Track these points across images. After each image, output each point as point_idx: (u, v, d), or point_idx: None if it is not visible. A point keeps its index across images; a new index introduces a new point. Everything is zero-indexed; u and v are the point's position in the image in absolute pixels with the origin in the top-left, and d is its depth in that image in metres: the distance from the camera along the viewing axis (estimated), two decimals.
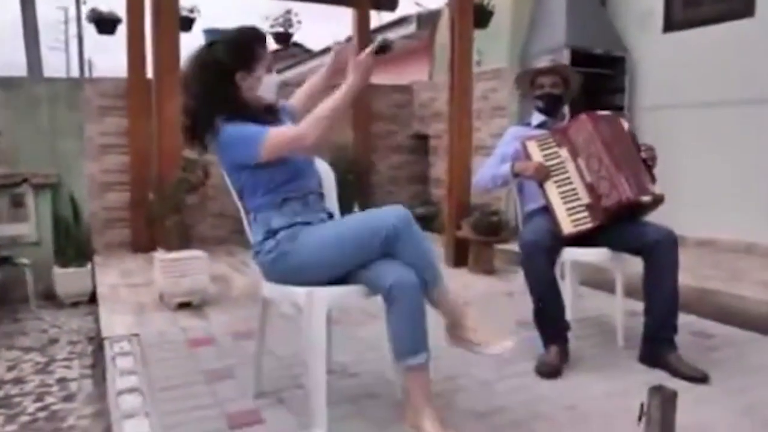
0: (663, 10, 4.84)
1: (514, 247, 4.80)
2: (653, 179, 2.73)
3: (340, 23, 6.29)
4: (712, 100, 4.47)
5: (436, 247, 5.23)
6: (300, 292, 1.94)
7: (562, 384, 2.40)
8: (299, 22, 5.68)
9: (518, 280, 4.14)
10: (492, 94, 5.27)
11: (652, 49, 4.92)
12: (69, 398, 2.70)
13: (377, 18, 6.49)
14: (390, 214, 1.88)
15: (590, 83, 4.10)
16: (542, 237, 2.58)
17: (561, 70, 3.04)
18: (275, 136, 1.92)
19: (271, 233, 1.98)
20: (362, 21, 6.07)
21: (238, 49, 2.00)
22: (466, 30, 4.53)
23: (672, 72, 4.79)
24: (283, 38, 5.66)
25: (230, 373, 2.49)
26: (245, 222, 2.13)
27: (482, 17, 4.68)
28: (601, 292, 3.74)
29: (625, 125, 2.83)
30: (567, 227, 2.66)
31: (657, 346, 2.55)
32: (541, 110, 3.05)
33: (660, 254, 2.54)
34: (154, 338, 2.91)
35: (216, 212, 5.41)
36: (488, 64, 5.11)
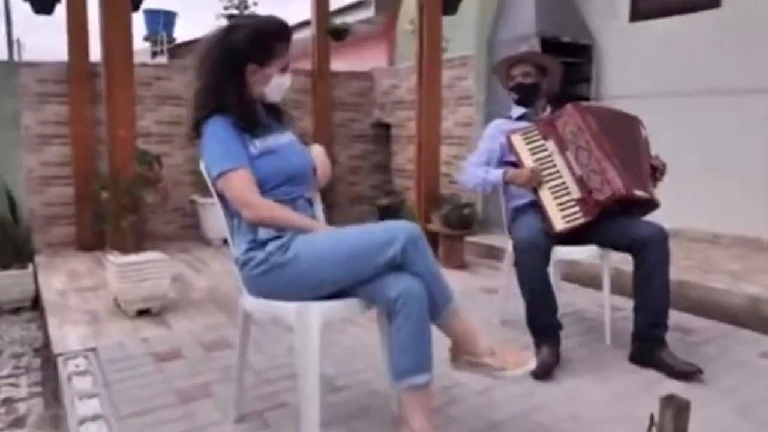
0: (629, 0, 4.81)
1: (483, 239, 4.75)
2: (654, 184, 2.66)
3: (297, 6, 6.00)
4: (679, 90, 4.49)
5: None
6: (291, 308, 1.75)
7: (558, 390, 2.31)
8: (255, 4, 5.37)
9: (496, 277, 4.11)
10: (458, 82, 5.14)
11: (619, 38, 4.90)
12: (18, 423, 2.43)
13: (336, 0, 6.22)
14: (399, 230, 1.72)
15: (563, 72, 4.01)
16: (536, 235, 2.48)
17: (531, 59, 2.91)
18: (238, 181, 1.78)
19: (259, 244, 1.78)
20: (321, 4, 5.81)
21: (256, 38, 1.83)
22: (435, 16, 4.38)
23: (638, 61, 4.78)
24: None
25: (206, 392, 2.27)
26: (227, 229, 1.91)
27: (451, 3, 4.53)
28: (578, 285, 3.71)
29: (640, 129, 2.73)
30: (559, 224, 2.56)
31: (648, 344, 2.50)
32: (517, 102, 2.95)
33: (651, 251, 2.47)
34: (114, 352, 2.65)
35: (167, 206, 5.10)
36: (454, 51, 4.97)
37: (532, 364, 1.86)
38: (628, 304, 3.10)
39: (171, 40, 12.80)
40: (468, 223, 4.25)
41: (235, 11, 5.27)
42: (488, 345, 1.84)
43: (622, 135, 2.66)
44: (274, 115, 1.99)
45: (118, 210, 3.17)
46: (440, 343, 1.84)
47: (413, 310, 1.68)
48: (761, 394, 2.26)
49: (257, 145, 1.84)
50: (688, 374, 2.35)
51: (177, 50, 12.63)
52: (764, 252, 4.10)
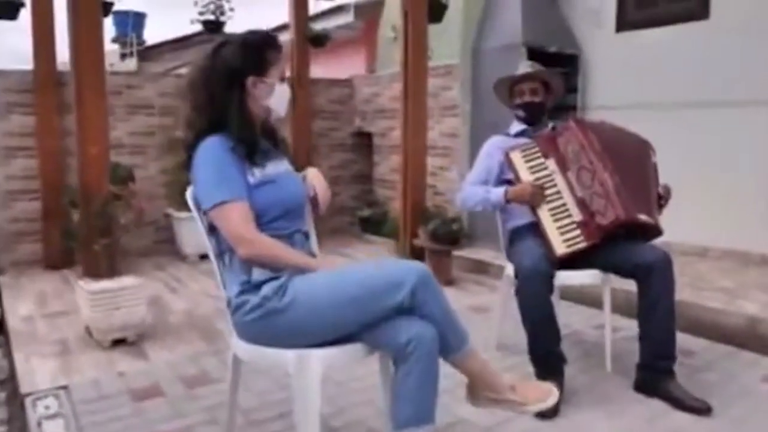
0: (616, 9, 4.75)
1: (470, 253, 4.65)
2: (659, 211, 2.56)
3: (275, 10, 5.82)
4: (666, 101, 4.44)
5: (389, 254, 5.00)
6: (289, 356, 1.60)
7: (565, 425, 2.19)
8: (232, 9, 5.17)
9: (486, 294, 4.01)
10: (443, 92, 5.03)
11: (605, 48, 4.84)
12: None
13: (313, 5, 6.07)
14: (408, 271, 1.59)
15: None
16: (539, 262, 2.35)
17: (540, 76, 2.80)
18: (235, 214, 1.62)
19: (253, 286, 1.62)
20: (299, 9, 5.64)
21: (248, 50, 1.71)
22: (420, 23, 4.26)
23: (625, 72, 4.73)
24: (215, 27, 5.13)
25: None
26: (215, 266, 1.74)
27: (436, 11, 4.41)
28: (571, 303, 3.61)
29: (650, 154, 2.63)
30: (560, 248, 2.44)
31: (655, 374, 2.40)
32: (522, 120, 2.82)
33: (656, 278, 2.37)
34: (88, 391, 2.45)
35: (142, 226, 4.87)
36: (438, 59, 4.85)
37: (554, 396, 1.79)
38: (623, 323, 3.03)
39: (141, 41, 12.44)
40: (456, 238, 4.13)
41: (211, 17, 5.06)
42: (509, 381, 1.76)
43: (628, 156, 2.55)
44: (271, 139, 1.84)
45: (90, 232, 2.96)
46: (445, 374, 1.71)
47: (423, 358, 1.55)
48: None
49: (256, 173, 1.69)
50: (697, 411, 2.26)
51: (147, 52, 12.31)
52: (754, 266, 4.07)
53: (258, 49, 1.72)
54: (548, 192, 2.52)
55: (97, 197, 2.96)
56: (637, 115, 4.37)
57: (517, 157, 2.61)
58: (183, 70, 8.72)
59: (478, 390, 1.76)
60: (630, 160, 2.54)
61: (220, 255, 1.74)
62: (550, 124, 2.83)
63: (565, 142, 2.57)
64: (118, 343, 2.94)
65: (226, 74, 1.68)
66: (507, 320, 2.96)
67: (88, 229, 2.99)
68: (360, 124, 6.18)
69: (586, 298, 3.51)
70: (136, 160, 4.91)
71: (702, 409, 2.26)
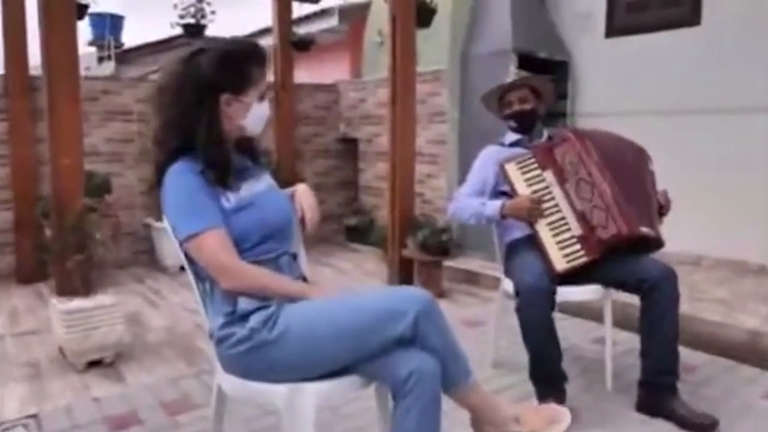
0: (605, 14, 4.69)
1: (460, 263, 4.54)
2: (660, 220, 2.47)
3: (257, 14, 5.67)
4: (657, 108, 4.38)
5: (375, 263, 4.88)
6: (279, 391, 1.47)
7: None
8: (213, 12, 5.01)
9: (477, 306, 3.91)
10: (430, 98, 4.92)
11: (595, 54, 4.78)
12: None
13: (297, 9, 5.93)
14: (409, 300, 1.46)
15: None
16: (540, 279, 2.24)
17: (527, 83, 2.70)
18: (212, 244, 1.48)
19: (239, 317, 1.48)
20: (283, 12, 5.50)
21: (228, 63, 1.53)
22: (409, 28, 4.14)
23: (615, 78, 4.66)
24: (195, 31, 4.97)
25: None
26: (197, 295, 1.60)
27: (425, 15, 4.31)
28: (566, 315, 3.52)
29: (647, 162, 2.53)
30: (559, 263, 2.34)
31: (658, 393, 2.32)
32: (515, 130, 2.71)
33: (661, 294, 2.29)
34: (60, 420, 2.29)
35: (120, 242, 4.68)
36: (426, 65, 4.74)
37: (566, 419, 1.69)
38: (621, 336, 2.93)
39: (119, 45, 12.19)
40: (446, 248, 4.02)
41: (191, 20, 4.90)
42: (512, 412, 1.64)
43: (627, 166, 2.45)
44: (249, 154, 1.70)
45: (63, 248, 2.80)
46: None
47: (425, 394, 1.43)
48: None
49: (230, 198, 1.55)
50: (704, 428, 2.18)
51: (125, 56, 12.06)
52: (749, 276, 4.02)
53: (238, 63, 1.56)
54: (546, 205, 2.41)
55: (71, 211, 2.79)
56: (628, 122, 4.29)
57: (512, 169, 2.49)
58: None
59: (481, 424, 1.64)
60: (629, 169, 2.44)
61: (200, 282, 1.60)
62: (545, 132, 2.74)
63: (562, 153, 2.46)
64: (94, 364, 2.78)
65: (198, 87, 1.52)
66: (502, 335, 2.87)
67: (61, 244, 2.82)
68: (345, 130, 6.06)
69: (582, 311, 3.41)
70: (113, 168, 4.73)
71: (708, 426, 2.18)
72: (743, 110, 4.08)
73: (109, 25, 11.72)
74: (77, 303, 2.75)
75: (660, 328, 2.30)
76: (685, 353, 2.93)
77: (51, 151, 2.86)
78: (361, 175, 5.97)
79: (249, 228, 1.54)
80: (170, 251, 4.69)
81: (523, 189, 2.46)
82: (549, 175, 2.45)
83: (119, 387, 2.60)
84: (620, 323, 3.07)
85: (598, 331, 3.24)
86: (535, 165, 2.48)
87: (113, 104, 4.80)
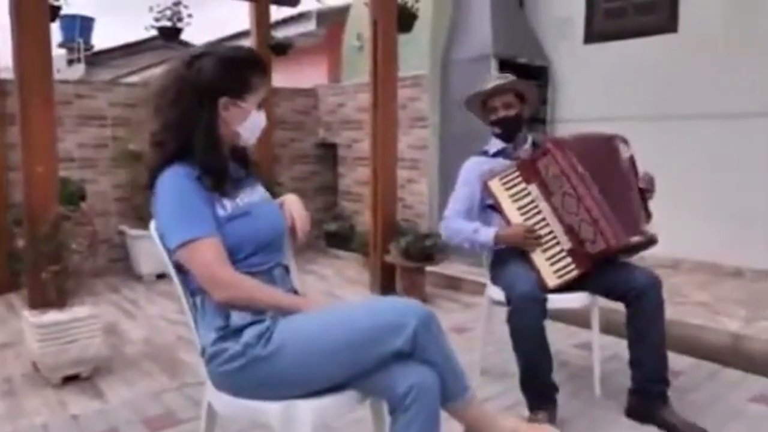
0: (584, 21, 4.73)
1: (442, 269, 4.52)
2: (648, 216, 2.46)
3: (236, 17, 5.58)
4: (635, 114, 4.43)
5: (357, 270, 4.83)
6: (274, 409, 1.42)
7: None
8: (190, 15, 4.91)
9: (461, 311, 3.89)
10: (411, 103, 4.90)
11: (574, 60, 4.82)
12: None
13: (275, 12, 5.84)
14: (407, 313, 1.42)
15: None
16: (533, 288, 2.22)
17: (512, 87, 2.62)
18: (206, 253, 1.43)
19: (232, 332, 1.43)
20: (261, 16, 5.43)
21: (229, 68, 1.51)
22: (390, 33, 4.11)
23: (593, 84, 4.71)
24: (171, 34, 4.86)
25: None
26: (186, 308, 1.54)
27: (406, 20, 4.29)
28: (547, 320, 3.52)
29: (623, 150, 2.46)
30: (551, 279, 2.32)
31: (648, 400, 2.31)
32: (499, 136, 2.65)
33: (648, 302, 2.28)
34: None
35: (96, 253, 4.55)
36: (407, 70, 4.72)
37: None
38: (605, 341, 2.93)
39: (89, 47, 11.93)
40: (430, 254, 4.00)
41: (167, 23, 4.80)
42: (508, 426, 1.60)
43: (608, 170, 2.40)
44: (241, 163, 1.66)
45: (37, 259, 2.69)
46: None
47: (425, 407, 1.39)
48: None
49: (227, 205, 1.50)
50: None
51: (95, 58, 11.82)
52: (727, 279, 4.09)
53: (239, 68, 1.54)
54: (534, 220, 2.38)
55: (45, 219, 2.68)
56: (606, 128, 4.34)
57: (496, 186, 2.43)
58: (134, 78, 8.36)
59: None
60: (610, 172, 2.39)
61: (190, 295, 1.54)
62: (529, 138, 2.70)
63: (545, 166, 2.38)
64: (70, 379, 2.68)
65: (198, 89, 1.49)
66: (488, 342, 2.85)
67: (35, 254, 2.71)
68: (324, 134, 6.01)
69: (565, 316, 3.42)
70: (87, 175, 4.61)
71: None
72: (718, 116, 4.16)
73: (79, 27, 11.47)
74: (52, 316, 2.64)
75: (648, 335, 2.30)
76: (669, 357, 2.95)
77: (23, 158, 2.75)
78: (341, 180, 5.92)
79: (243, 238, 1.50)
80: (146, 259, 4.58)
81: (509, 205, 2.42)
82: (534, 189, 2.40)
83: (98, 403, 2.50)
84: (603, 328, 3.08)
85: (581, 336, 3.25)
86: (519, 179, 2.42)
87: (86, 108, 4.67)
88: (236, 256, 1.49)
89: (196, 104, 1.49)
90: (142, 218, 4.73)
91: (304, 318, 1.45)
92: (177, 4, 4.83)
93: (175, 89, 1.51)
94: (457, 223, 2.56)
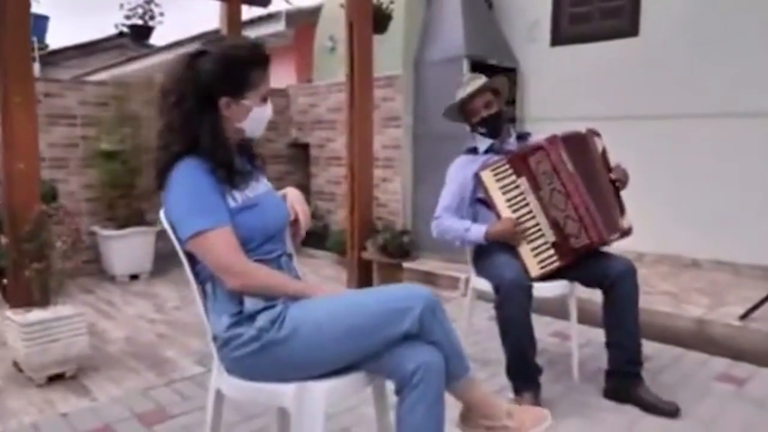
0: (551, 24, 4.91)
1: (418, 265, 4.61)
2: (622, 210, 2.61)
3: (207, 16, 5.56)
4: (598, 114, 4.60)
5: (333, 268, 4.87)
6: (288, 391, 1.47)
7: None
8: (161, 14, 4.87)
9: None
10: (385, 103, 4.98)
11: (541, 62, 4.98)
12: None
13: (245, 12, 5.83)
14: (414, 297, 1.49)
15: None
16: (519, 275, 2.33)
17: (491, 86, 2.70)
18: (220, 243, 1.48)
19: (246, 317, 1.47)
20: (232, 15, 5.41)
21: (228, 67, 1.52)
22: (366, 34, 4.18)
23: (559, 85, 4.88)
24: (142, 33, 4.81)
25: None
26: (197, 296, 1.58)
27: (381, 22, 4.37)
28: None
29: (597, 144, 2.61)
30: (534, 269, 2.44)
31: (625, 381, 2.46)
32: (485, 135, 2.72)
33: (623, 288, 2.43)
34: None
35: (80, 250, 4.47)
36: (380, 70, 4.79)
37: (548, 419, 1.76)
38: (578, 329, 3.06)
39: (43, 46, 11.59)
40: (406, 250, 4.09)
41: (139, 21, 4.74)
42: (506, 407, 1.70)
43: (589, 167, 2.55)
44: (247, 157, 1.70)
45: (20, 257, 2.65)
46: None
47: (432, 386, 1.47)
48: (737, 425, 2.29)
49: (237, 197, 1.55)
50: (668, 413, 2.33)
51: (51, 58, 11.49)
52: (689, 269, 4.31)
53: (238, 66, 1.55)
54: (521, 212, 2.48)
55: (27, 218, 2.65)
56: (571, 127, 4.52)
57: (488, 177, 2.53)
58: (101, 76, 8.18)
59: (475, 418, 1.69)
60: (591, 169, 2.53)
61: (201, 283, 1.58)
62: (513, 132, 2.80)
63: (536, 162, 2.49)
64: (54, 379, 2.65)
65: (198, 91, 1.52)
66: (470, 332, 2.94)
67: (17, 253, 2.67)
68: (297, 135, 6.03)
69: (541, 307, 3.54)
70: (58, 175, 4.52)
71: (672, 411, 2.33)
72: (678, 116, 4.38)
73: (34, 26, 11.14)
74: (36, 314, 2.61)
75: (624, 320, 2.44)
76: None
77: (4, 156, 2.71)
78: (314, 180, 5.95)
79: (253, 228, 1.54)
80: (119, 260, 4.52)
81: (499, 197, 2.51)
82: (523, 183, 2.49)
83: (86, 401, 2.49)
84: (578, 317, 3.23)
85: (556, 325, 3.39)
86: (510, 171, 2.51)
87: (56, 107, 4.58)
88: (248, 246, 1.53)
89: (198, 106, 1.52)
90: (113, 218, 4.67)
91: (315, 303, 1.50)
92: (149, 2, 4.78)
93: (176, 91, 1.54)
94: (448, 221, 2.63)
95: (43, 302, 2.70)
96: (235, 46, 1.59)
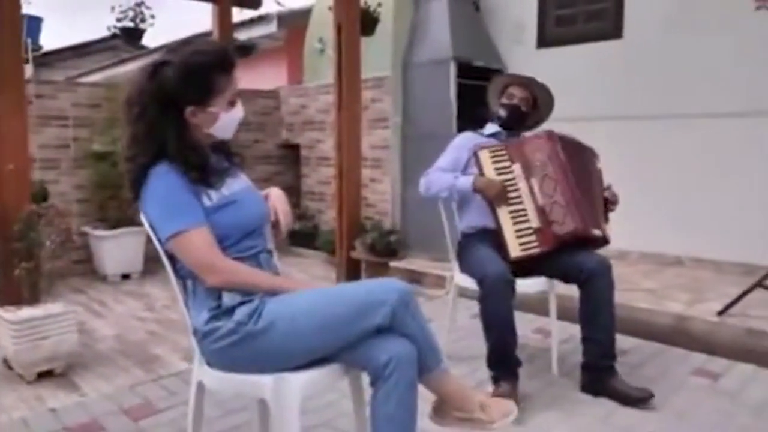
0: (536, 27, 4.98)
1: (406, 264, 4.67)
2: (606, 219, 2.69)
3: (198, 18, 5.61)
4: (582, 115, 4.66)
5: (323, 267, 4.93)
6: (266, 382, 1.53)
7: (526, 430, 2.24)
8: (152, 16, 4.92)
9: (424, 305, 4.03)
10: (373, 104, 5.04)
11: (527, 63, 5.04)
12: None
13: (237, 14, 5.89)
14: (388, 291, 1.55)
15: (474, 96, 4.05)
16: (503, 269, 2.40)
17: (536, 89, 2.85)
18: (197, 242, 1.52)
19: (224, 311, 1.53)
20: (224, 17, 5.47)
21: (191, 76, 1.53)
22: (354, 36, 4.25)
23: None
24: (133, 35, 4.87)
25: None
26: (178, 292, 1.63)
27: (369, 24, 4.43)
28: None
29: (596, 161, 2.74)
30: (515, 250, 2.51)
31: (600, 374, 2.52)
32: (501, 119, 2.83)
33: (598, 283, 2.50)
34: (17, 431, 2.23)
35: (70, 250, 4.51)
36: (369, 72, 4.86)
37: (515, 411, 1.83)
38: (558, 325, 3.13)
39: (37, 47, 11.61)
40: (394, 250, 4.15)
41: (130, 24, 4.80)
42: (479, 399, 1.76)
43: (585, 169, 2.66)
44: (224, 155, 1.75)
45: (9, 257, 2.70)
46: None
47: (404, 377, 1.53)
48: (709, 416, 2.35)
49: (212, 196, 1.59)
50: (642, 400, 2.40)
51: (44, 59, 11.51)
52: (669, 267, 4.39)
53: (201, 74, 1.54)
54: (511, 195, 2.58)
55: (17, 218, 2.70)
56: (557, 128, 4.59)
57: (485, 156, 2.64)
58: (96, 77, 8.22)
59: (448, 409, 1.75)
60: (586, 173, 2.65)
61: (181, 279, 1.63)
62: (521, 136, 2.88)
63: (532, 151, 2.61)
64: (44, 375, 2.70)
65: (162, 102, 1.53)
66: (452, 329, 3.00)
67: (7, 252, 2.72)
68: (287, 135, 6.09)
69: (523, 304, 3.60)
70: (49, 176, 4.56)
71: (646, 398, 2.40)
72: (659, 116, 4.46)
73: (28, 27, 11.16)
74: (27, 312, 2.66)
75: (598, 315, 2.51)
76: (620, 339, 3.17)
77: None
78: (304, 180, 6.01)
79: (231, 225, 1.59)
80: (110, 260, 4.57)
81: (492, 176, 2.61)
82: (517, 168, 2.60)
83: (75, 396, 2.54)
84: (559, 314, 3.29)
85: (538, 322, 3.46)
86: (506, 156, 2.63)
87: (47, 108, 4.62)
88: (225, 243, 1.58)
89: (161, 116, 1.53)
90: (104, 219, 4.72)
91: (292, 297, 1.56)
92: (139, 5, 4.83)
93: (139, 103, 1.55)
94: (437, 174, 2.72)
95: (33, 300, 2.75)
96: (198, 52, 1.56)
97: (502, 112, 2.83)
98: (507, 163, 2.62)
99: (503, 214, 2.56)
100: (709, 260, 4.27)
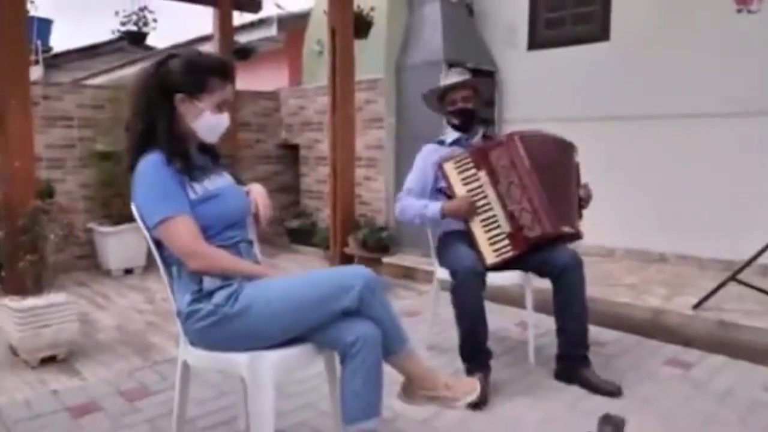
0: (527, 29, 5.11)
1: (398, 260, 4.81)
2: (580, 216, 2.79)
3: (200, 22, 5.78)
4: (572, 115, 4.81)
5: (319, 263, 5.07)
6: (242, 359, 1.67)
7: (495, 417, 2.36)
8: (155, 20, 5.09)
9: (414, 299, 4.18)
10: (368, 105, 5.19)
11: (518, 65, 5.18)
12: None
13: (237, 18, 6.07)
14: (355, 277, 1.70)
15: None
16: (474, 263, 2.52)
17: (473, 83, 2.93)
18: (182, 229, 1.68)
19: (205, 294, 1.68)
20: (224, 21, 5.64)
21: (190, 69, 1.75)
22: (347, 40, 4.39)
23: (536, 88, 5.08)
24: (137, 38, 5.04)
25: None
26: (164, 277, 1.79)
27: (362, 28, 4.57)
28: (487, 302, 3.82)
29: (573, 154, 2.80)
30: (489, 257, 2.62)
31: (573, 363, 2.64)
32: (457, 127, 2.93)
33: (569, 277, 2.60)
34: (21, 411, 2.38)
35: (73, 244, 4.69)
36: (363, 74, 5.01)
37: (478, 388, 1.96)
38: (537, 318, 3.25)
39: (47, 49, 11.84)
40: (386, 245, 4.29)
41: (133, 27, 4.97)
42: (444, 379, 1.89)
43: (554, 169, 2.71)
44: (210, 157, 1.91)
45: (15, 249, 2.87)
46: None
47: (369, 356, 1.67)
48: (674, 403, 2.47)
49: (197, 189, 1.75)
50: (610, 393, 2.51)
51: (54, 60, 11.73)
52: (653, 263, 4.50)
53: (199, 70, 1.76)
54: (480, 203, 2.66)
55: (23, 213, 2.86)
56: (548, 128, 4.71)
57: (450, 168, 2.70)
58: (101, 80, 8.42)
59: (415, 388, 1.88)
60: (555, 170, 2.71)
61: (167, 266, 1.79)
62: (481, 131, 2.99)
63: (497, 157, 2.67)
64: (47, 361, 2.86)
65: (161, 84, 1.75)
66: (435, 322, 3.13)
67: (13, 245, 2.89)
68: (286, 136, 6.24)
69: (504, 297, 3.73)
70: (55, 175, 4.74)
71: (614, 391, 2.52)
72: (645, 117, 4.58)
73: (38, 29, 11.39)
74: (30, 301, 2.82)
75: (571, 307, 2.62)
76: (599, 331, 3.32)
77: (1, 155, 2.93)
78: (302, 179, 6.17)
79: (213, 218, 1.74)
80: (114, 255, 4.74)
81: (459, 187, 2.68)
82: (483, 176, 2.67)
83: (76, 380, 2.70)
84: (540, 307, 3.41)
85: (519, 316, 3.57)
86: (471, 165, 2.69)
87: (55, 110, 4.80)
88: (208, 233, 1.73)
89: (158, 97, 1.74)
90: (108, 216, 4.89)
91: (268, 282, 1.71)
92: (143, 9, 5.00)
93: (143, 85, 1.77)
94: (408, 201, 2.85)
95: (36, 291, 2.91)
96: (202, 55, 1.82)
97: (455, 120, 2.91)
98: (473, 171, 2.67)
99: (475, 224, 2.65)
100: (693, 257, 4.38)
